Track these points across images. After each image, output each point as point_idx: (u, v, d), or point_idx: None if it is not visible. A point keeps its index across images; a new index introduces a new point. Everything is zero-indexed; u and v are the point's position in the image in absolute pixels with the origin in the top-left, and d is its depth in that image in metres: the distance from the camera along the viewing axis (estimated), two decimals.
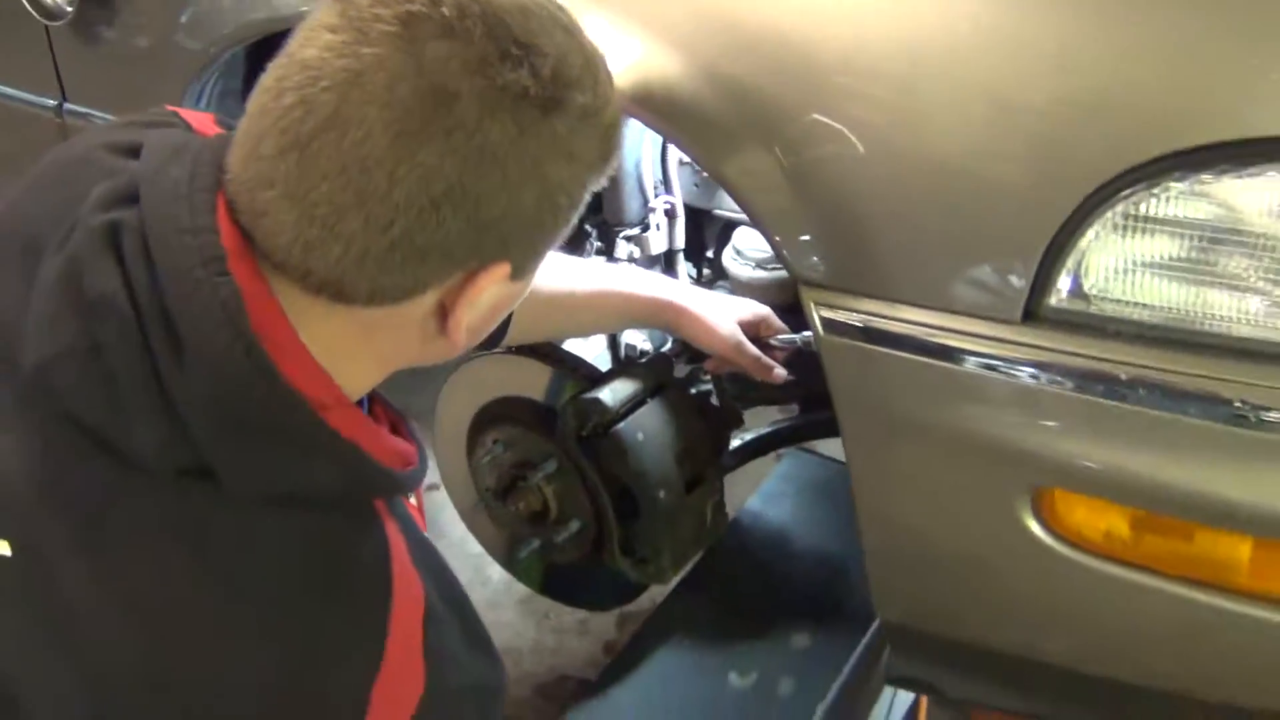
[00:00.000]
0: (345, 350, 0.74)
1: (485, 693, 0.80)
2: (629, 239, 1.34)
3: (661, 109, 0.97)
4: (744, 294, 1.37)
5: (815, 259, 0.96)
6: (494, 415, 1.33)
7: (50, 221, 0.72)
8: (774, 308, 1.30)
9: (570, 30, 0.72)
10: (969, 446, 0.94)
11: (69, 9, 1.31)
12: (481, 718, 0.79)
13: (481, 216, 0.68)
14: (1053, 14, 0.84)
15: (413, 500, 0.93)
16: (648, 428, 1.21)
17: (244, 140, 0.68)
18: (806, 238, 0.95)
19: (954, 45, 0.86)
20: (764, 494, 1.41)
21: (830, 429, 1.36)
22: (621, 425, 1.20)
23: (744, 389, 1.34)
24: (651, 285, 1.25)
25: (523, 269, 0.76)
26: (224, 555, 0.69)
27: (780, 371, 1.25)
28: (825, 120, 0.91)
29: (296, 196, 0.66)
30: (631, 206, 1.33)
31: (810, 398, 1.38)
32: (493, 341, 1.19)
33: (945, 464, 0.96)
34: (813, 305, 0.97)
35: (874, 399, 0.97)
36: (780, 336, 1.25)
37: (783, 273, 1.34)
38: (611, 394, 1.21)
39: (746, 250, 1.35)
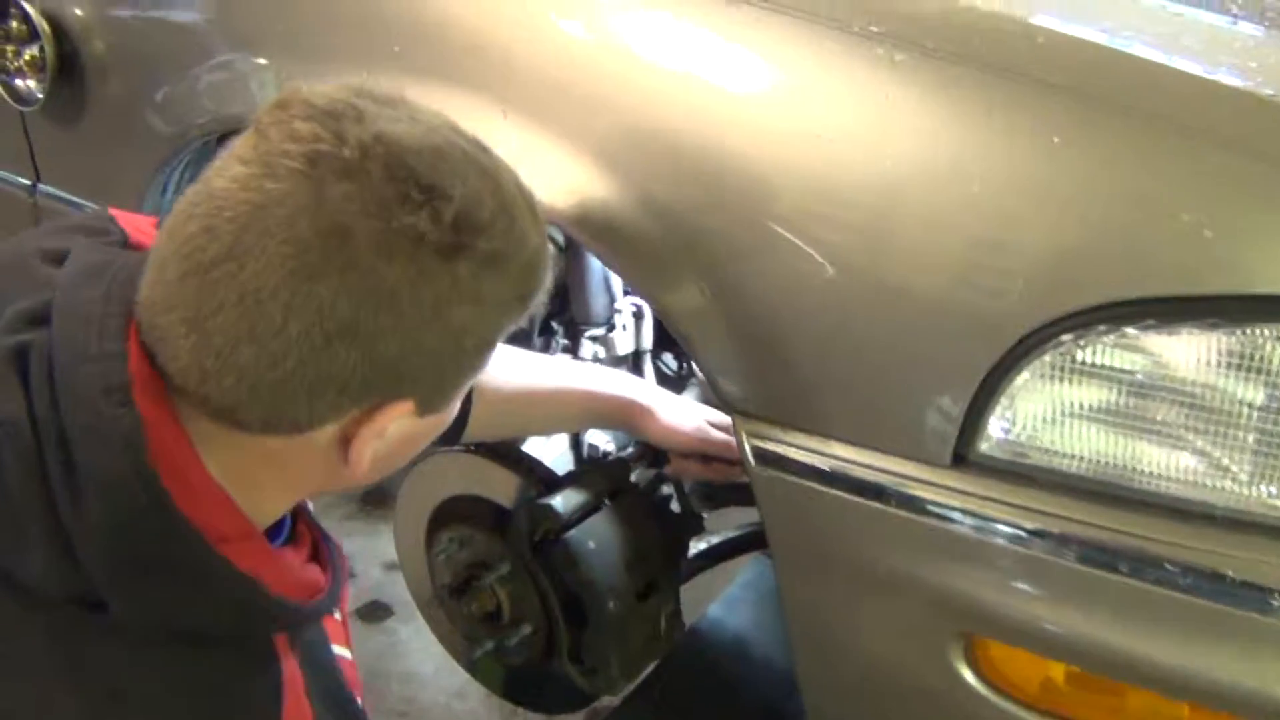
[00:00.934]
0: (250, 478, 0.73)
1: None
2: (594, 339, 1.33)
3: (595, 233, 0.97)
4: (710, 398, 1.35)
5: (746, 388, 0.94)
6: (452, 512, 1.32)
7: None
8: None
9: (487, 173, 0.71)
10: (900, 589, 0.91)
11: (39, 96, 1.34)
12: None
13: (378, 355, 0.67)
14: (996, 155, 0.82)
15: (336, 615, 0.92)
16: (599, 535, 1.19)
17: (153, 263, 0.68)
18: (736, 367, 0.94)
19: (889, 170, 0.84)
20: (726, 601, 1.38)
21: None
22: (572, 533, 1.18)
23: (712, 489, 1.32)
24: (614, 384, 1.24)
25: (431, 405, 0.75)
26: (105, 689, 0.68)
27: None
28: (760, 252, 0.89)
29: (194, 323, 0.66)
30: (597, 306, 1.32)
31: None
32: (452, 437, 1.19)
33: (878, 603, 0.94)
34: (744, 435, 0.95)
35: (805, 533, 0.95)
36: None
37: None
38: (564, 500, 1.20)
39: None
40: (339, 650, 0.89)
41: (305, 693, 0.76)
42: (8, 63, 1.30)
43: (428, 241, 0.66)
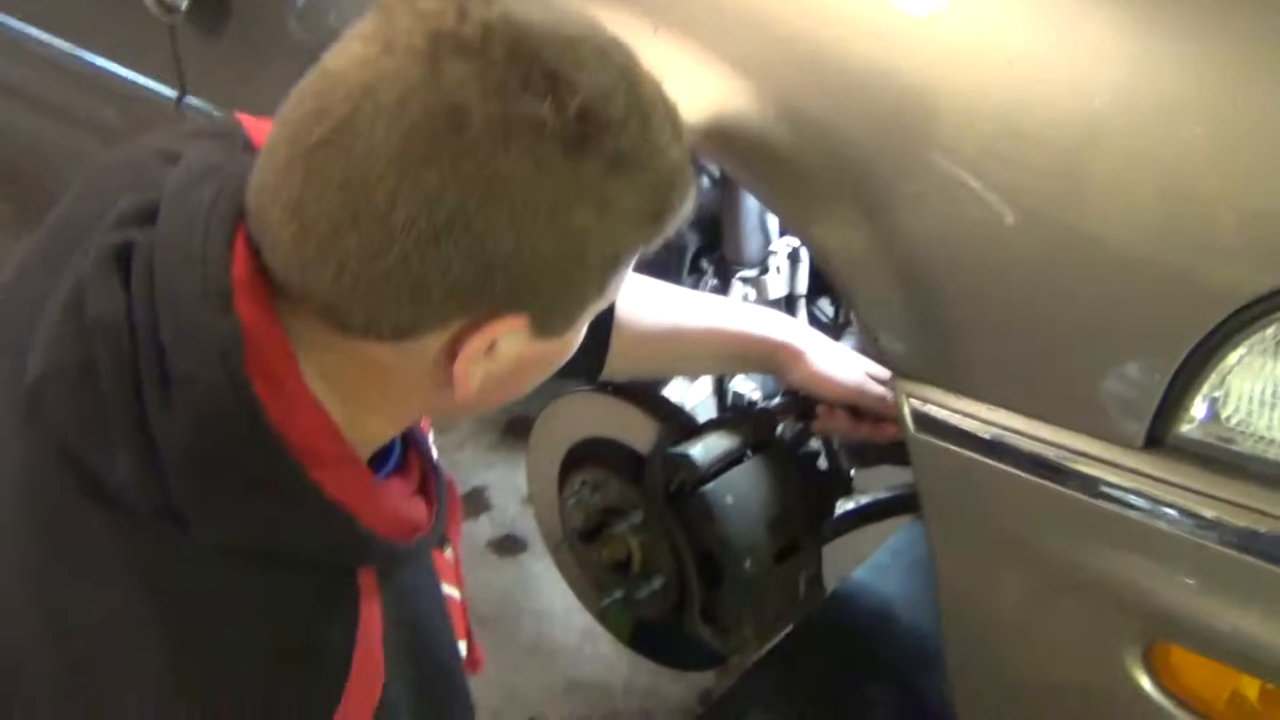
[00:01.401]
0: (352, 389, 0.69)
1: None
2: (746, 280, 1.24)
3: (747, 159, 0.88)
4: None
5: (908, 344, 0.85)
6: (586, 454, 1.27)
7: (88, 226, 0.70)
8: None
9: (624, 72, 0.64)
10: (1073, 580, 0.82)
11: (183, 4, 1.32)
12: None
13: (488, 255, 0.62)
14: (1226, 93, 0.70)
15: (447, 554, 0.87)
16: (739, 490, 1.12)
17: (265, 149, 0.65)
18: (898, 319, 0.85)
19: (1099, 140, 0.73)
20: (871, 566, 1.30)
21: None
22: (710, 485, 1.11)
23: (863, 446, 1.23)
24: (767, 325, 1.15)
25: (550, 326, 0.69)
26: (182, 606, 0.65)
27: None
28: (930, 192, 0.80)
29: (298, 209, 0.62)
30: (751, 246, 1.24)
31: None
32: (590, 373, 1.13)
33: (1044, 593, 0.85)
34: (903, 396, 0.86)
35: (965, 507, 0.86)
36: None
37: None
38: (704, 450, 1.13)
39: None
40: (448, 590, 0.85)
41: (381, 640, 0.70)
42: None
43: (549, 131, 0.60)
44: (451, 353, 0.67)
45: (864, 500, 1.26)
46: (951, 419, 0.84)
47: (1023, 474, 0.81)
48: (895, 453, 1.21)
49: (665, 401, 1.22)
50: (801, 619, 1.22)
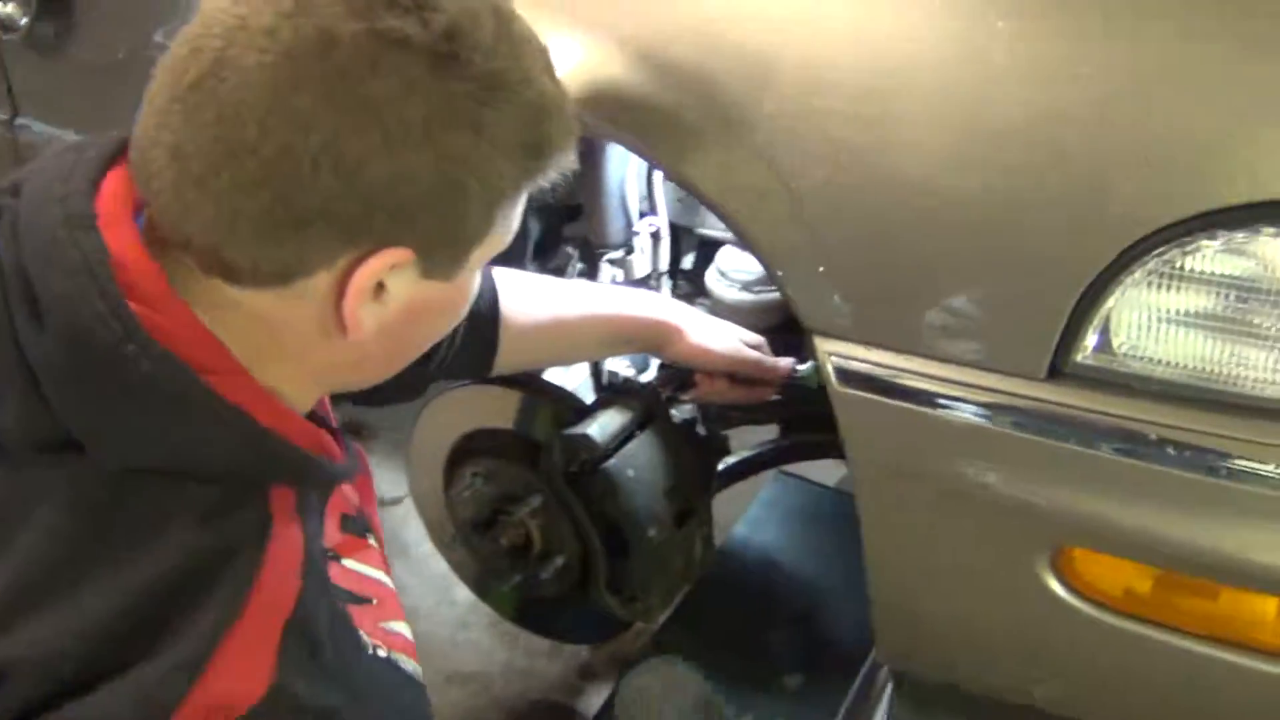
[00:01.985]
0: (252, 348, 0.69)
1: None
2: (613, 262, 1.28)
3: (612, 111, 0.91)
4: (727, 317, 1.32)
5: (824, 303, 0.92)
6: (474, 447, 1.27)
7: None
8: (761, 332, 1.26)
9: (494, 5, 0.66)
10: (988, 504, 0.91)
11: (22, 22, 1.21)
12: None
13: (364, 181, 0.62)
14: (1101, 55, 0.80)
15: (371, 541, 0.86)
16: (638, 463, 1.17)
17: (145, 98, 0.65)
18: (814, 280, 0.91)
19: (990, 74, 0.82)
20: (749, 520, 1.37)
21: (816, 452, 1.33)
22: (611, 462, 1.15)
23: (725, 409, 1.30)
24: (643, 305, 1.20)
25: (437, 264, 0.69)
26: (91, 526, 0.64)
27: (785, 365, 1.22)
28: (827, 152, 0.86)
29: (176, 150, 0.62)
30: (615, 227, 1.27)
31: (796, 419, 1.34)
32: (480, 369, 1.14)
33: (963, 520, 0.93)
34: (825, 355, 0.93)
35: (889, 452, 0.94)
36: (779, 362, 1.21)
37: (773, 295, 1.30)
38: (600, 429, 1.16)
39: (732, 271, 1.31)
40: (377, 574, 0.84)
41: (301, 564, 0.69)
42: None
43: (415, 47, 0.62)
44: (339, 292, 0.66)
45: (735, 459, 1.34)
46: (872, 371, 0.91)
47: (938, 413, 0.89)
48: (757, 413, 1.30)
49: (552, 385, 1.24)
50: (698, 577, 1.28)
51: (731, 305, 1.32)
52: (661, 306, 1.20)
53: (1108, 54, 0.80)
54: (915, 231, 0.86)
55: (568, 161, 0.73)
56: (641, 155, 1.06)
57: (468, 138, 0.64)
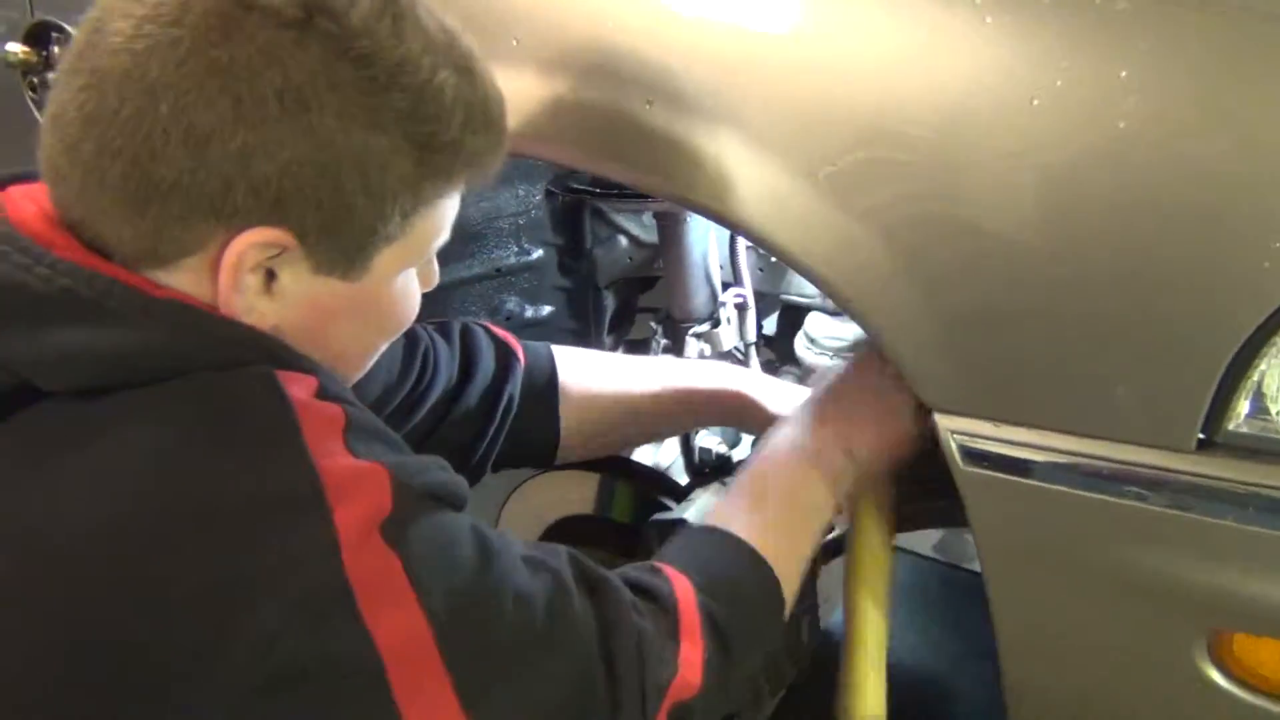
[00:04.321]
0: None
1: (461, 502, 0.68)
2: (699, 335, 1.23)
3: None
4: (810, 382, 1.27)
5: (947, 379, 0.86)
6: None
7: None
8: None
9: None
10: (1137, 587, 0.84)
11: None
12: (479, 539, 0.67)
13: (214, 153, 0.60)
14: (1238, 106, 0.74)
15: None
16: None
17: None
18: (935, 356, 0.86)
19: (1119, 134, 0.76)
20: None
21: (923, 521, 1.26)
22: None
23: None
24: (715, 377, 1.15)
25: (332, 258, 0.66)
26: (66, 462, 0.60)
27: None
28: (949, 223, 0.81)
29: (55, 120, 0.63)
30: (699, 300, 1.23)
31: (902, 490, 1.27)
32: (546, 453, 1.10)
33: (1107, 606, 0.87)
34: (948, 433, 0.87)
35: (1023, 536, 0.88)
36: None
37: None
38: (697, 513, 1.11)
39: (822, 337, 1.26)
40: None
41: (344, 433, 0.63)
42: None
43: (272, 12, 0.60)
44: (215, 274, 0.64)
45: (835, 532, 1.27)
46: (1002, 449, 0.85)
47: (1080, 491, 0.83)
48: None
49: (642, 467, 1.20)
50: (807, 663, 1.21)
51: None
52: (736, 377, 1.15)
53: (1243, 105, 0.74)
54: (1046, 300, 0.80)
55: (484, 165, 0.70)
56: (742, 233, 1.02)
57: (332, 117, 0.61)
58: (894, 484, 1.02)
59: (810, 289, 1.28)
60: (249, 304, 0.65)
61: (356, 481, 0.61)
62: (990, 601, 0.91)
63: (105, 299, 0.62)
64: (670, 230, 1.20)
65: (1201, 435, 0.79)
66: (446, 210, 0.71)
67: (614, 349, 1.49)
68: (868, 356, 0.99)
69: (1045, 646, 0.92)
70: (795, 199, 0.86)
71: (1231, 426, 0.79)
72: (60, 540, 0.58)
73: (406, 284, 0.73)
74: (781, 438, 0.95)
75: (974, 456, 0.86)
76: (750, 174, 0.88)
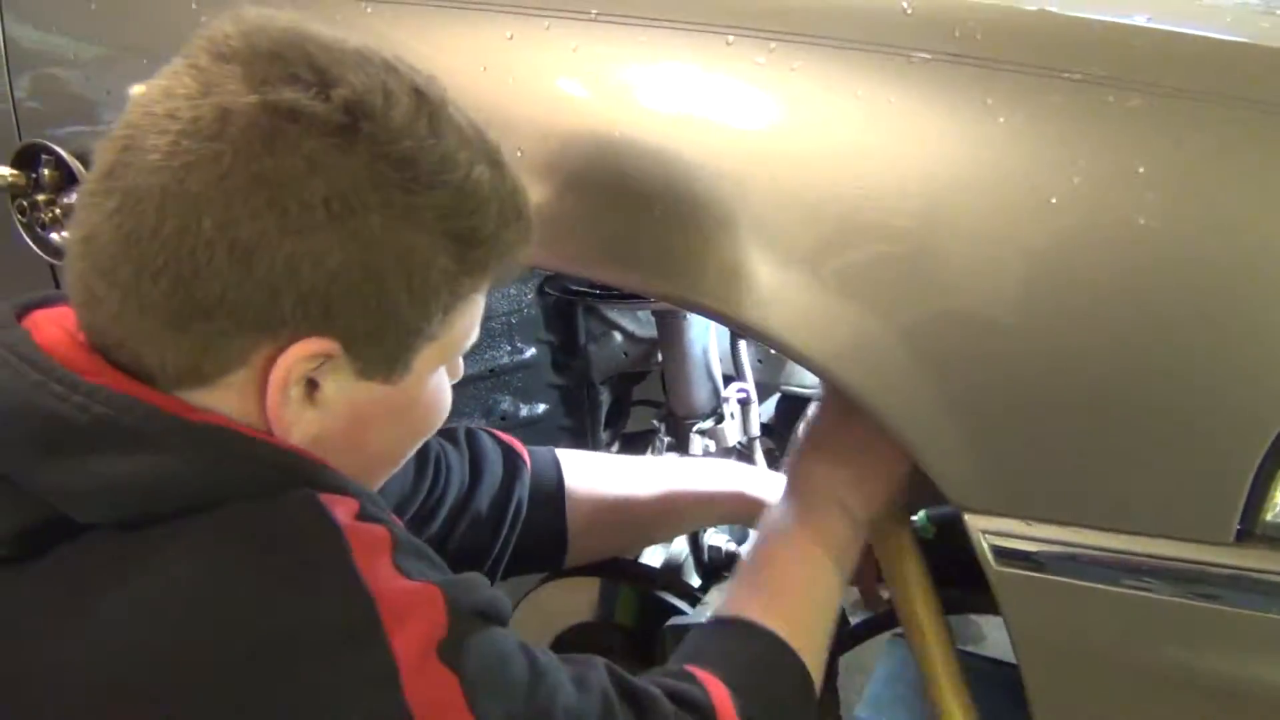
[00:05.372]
0: None
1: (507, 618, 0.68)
2: (703, 432, 1.21)
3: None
4: None
5: (976, 479, 0.85)
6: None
7: None
8: None
9: (416, 87, 0.64)
10: (1182, 682, 0.82)
11: None
12: (529, 658, 0.66)
13: (261, 266, 0.59)
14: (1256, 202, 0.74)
15: None
16: None
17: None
18: (962, 456, 0.84)
19: (1137, 236, 0.76)
20: (873, 701, 1.27)
21: (949, 606, 1.24)
22: None
23: None
24: (718, 478, 1.13)
25: (373, 363, 0.65)
26: (148, 602, 0.58)
27: None
28: (973, 324, 0.80)
29: (87, 243, 0.61)
30: (701, 397, 1.22)
31: None
32: (554, 556, 1.07)
33: (1154, 702, 0.85)
34: (979, 534, 0.85)
35: (1062, 636, 0.85)
36: None
37: None
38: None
39: None
40: None
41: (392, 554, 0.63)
42: (40, 215, 1.13)
43: (314, 121, 0.58)
44: (263, 389, 0.63)
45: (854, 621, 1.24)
46: (1035, 547, 0.84)
47: (1118, 589, 0.81)
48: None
49: (653, 570, 1.16)
50: None
51: None
52: (737, 476, 1.13)
53: (1264, 199, 0.74)
54: (1077, 397, 0.79)
55: (516, 256, 0.70)
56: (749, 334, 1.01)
57: (378, 220, 0.61)
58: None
59: (810, 378, 1.27)
60: (294, 416, 0.64)
61: (411, 603, 0.60)
62: (1031, 700, 0.88)
63: (145, 425, 0.60)
64: (670, 327, 1.18)
65: (1240, 526, 0.78)
66: (479, 305, 0.71)
67: (610, 444, 1.47)
68: (831, 396, 0.97)
69: None
70: (801, 296, 0.85)
71: (1269, 517, 0.78)
72: (106, 679, 0.56)
73: (440, 382, 0.73)
74: (778, 515, 0.93)
75: (1007, 556, 0.85)
76: (756, 274, 0.86)
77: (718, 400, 1.22)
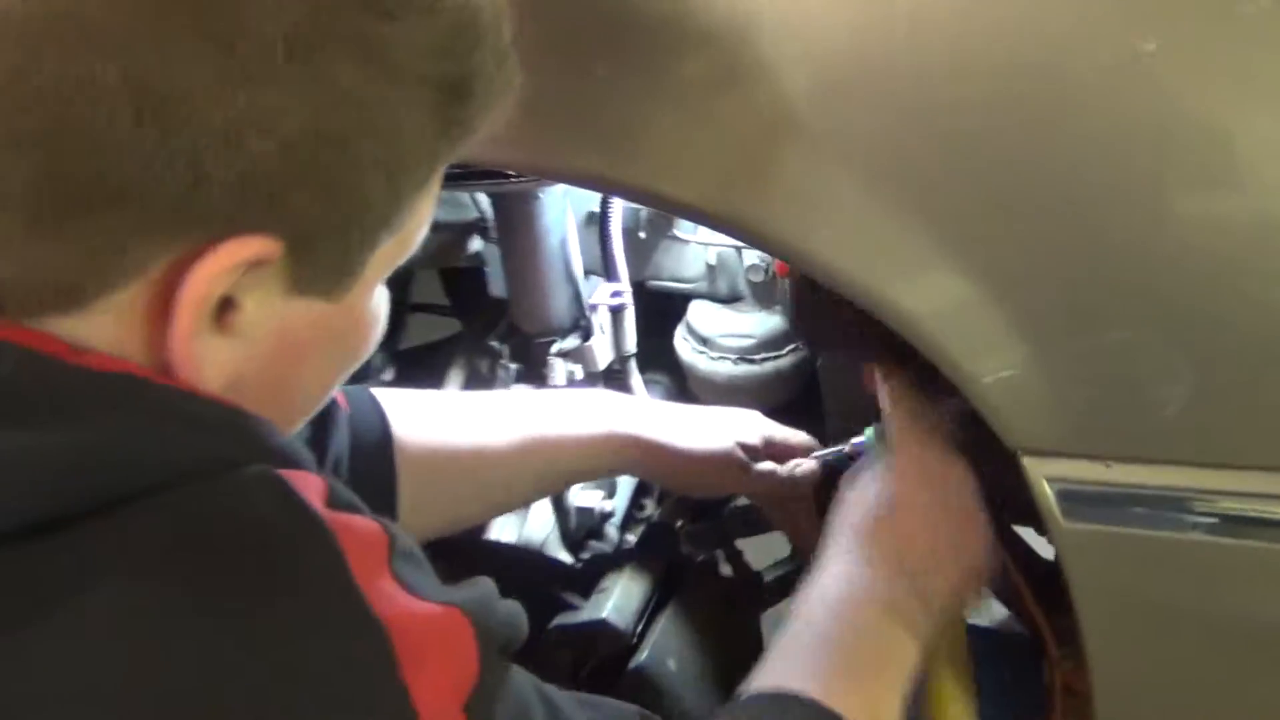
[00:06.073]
0: None
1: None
2: (565, 354, 0.91)
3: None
4: (702, 394, 0.99)
5: (1041, 411, 0.62)
6: None
7: None
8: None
9: None
10: (1269, 640, 0.66)
11: None
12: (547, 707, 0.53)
13: (190, 132, 0.43)
14: None
15: None
16: (676, 648, 0.82)
17: None
18: (1025, 382, 0.61)
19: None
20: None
21: None
22: (645, 656, 0.80)
23: (698, 529, 0.96)
24: (593, 415, 0.85)
25: (316, 271, 0.49)
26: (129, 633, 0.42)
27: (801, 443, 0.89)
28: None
29: None
30: (558, 307, 0.91)
31: None
32: None
33: (1237, 664, 0.68)
34: (1040, 479, 0.63)
35: (1138, 594, 0.67)
36: (819, 453, 0.88)
37: (774, 363, 0.97)
38: (618, 608, 0.82)
39: (715, 335, 0.96)
40: None
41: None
42: None
43: None
44: (163, 314, 0.46)
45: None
46: (1111, 493, 0.62)
47: (1209, 537, 0.63)
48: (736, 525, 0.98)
49: (529, 553, 0.87)
50: None
51: (706, 378, 0.98)
52: (623, 412, 0.85)
53: None
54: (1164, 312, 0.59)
55: (496, 116, 0.53)
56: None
57: (347, 63, 0.45)
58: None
59: (686, 272, 0.99)
60: (193, 352, 0.47)
61: (432, 638, 0.47)
62: (1092, 667, 0.68)
63: (20, 379, 0.45)
64: (515, 213, 0.87)
65: None
66: (439, 183, 0.55)
67: (383, 368, 1.16)
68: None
69: (1157, 712, 0.71)
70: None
71: None
72: None
73: (381, 292, 0.57)
74: (836, 578, 0.71)
75: (1078, 504, 0.63)
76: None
77: (580, 309, 0.92)
